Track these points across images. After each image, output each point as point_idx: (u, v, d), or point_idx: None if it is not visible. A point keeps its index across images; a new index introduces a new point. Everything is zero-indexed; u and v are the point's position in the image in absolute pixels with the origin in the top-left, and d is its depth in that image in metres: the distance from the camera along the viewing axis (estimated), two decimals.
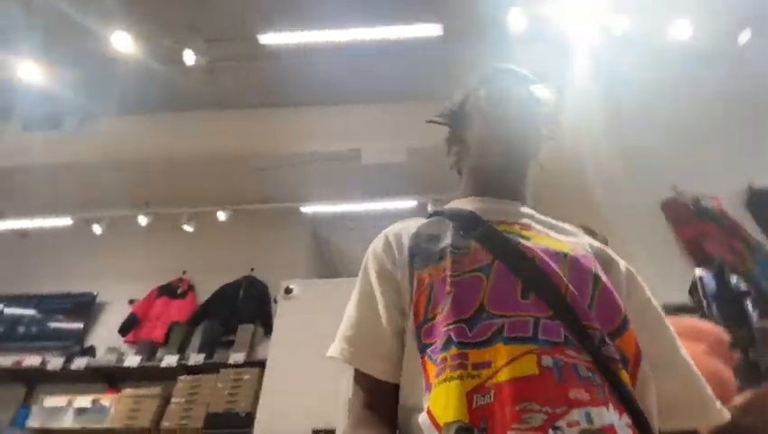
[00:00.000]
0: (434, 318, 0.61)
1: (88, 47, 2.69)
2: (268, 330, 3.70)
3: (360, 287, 0.73)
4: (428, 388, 0.57)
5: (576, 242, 0.73)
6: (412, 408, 0.60)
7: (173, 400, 3.18)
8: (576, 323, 0.57)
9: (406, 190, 3.87)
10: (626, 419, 0.52)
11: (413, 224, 0.76)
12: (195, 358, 3.38)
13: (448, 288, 0.61)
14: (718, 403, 0.63)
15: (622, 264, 0.73)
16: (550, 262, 0.63)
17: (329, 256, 4.47)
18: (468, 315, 0.58)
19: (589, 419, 0.48)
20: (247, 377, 3.25)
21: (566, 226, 0.78)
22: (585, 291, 0.62)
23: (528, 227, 0.73)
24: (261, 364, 3.24)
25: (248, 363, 3.36)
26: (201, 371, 3.34)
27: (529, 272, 0.61)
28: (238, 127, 3.41)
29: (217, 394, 3.18)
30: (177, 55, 2.75)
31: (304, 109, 3.42)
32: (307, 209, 4.06)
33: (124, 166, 3.48)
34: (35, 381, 3.63)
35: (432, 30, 2.72)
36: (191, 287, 4.14)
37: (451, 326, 0.57)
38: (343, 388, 3.07)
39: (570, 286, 0.60)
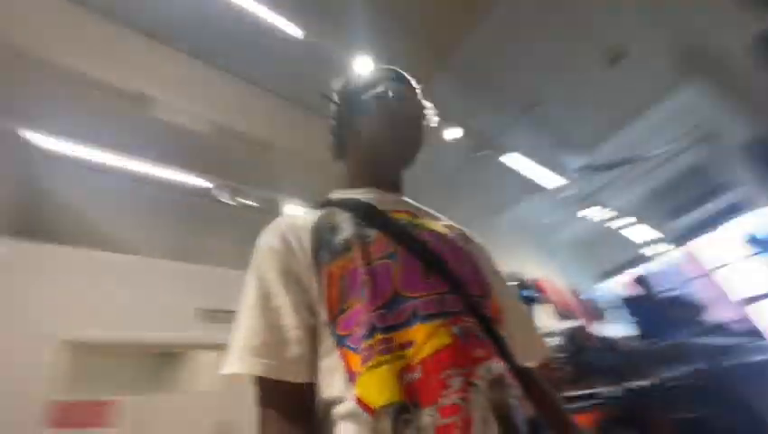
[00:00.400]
0: (348, 309, 0.63)
1: None
2: None
3: (258, 289, 0.67)
4: (352, 377, 0.59)
5: (448, 225, 0.83)
6: (332, 401, 0.61)
7: None
8: (466, 293, 0.66)
9: (189, 164, 3.39)
10: (505, 365, 0.63)
11: (308, 218, 0.75)
12: None
13: (363, 277, 0.63)
14: (547, 342, 0.88)
15: (478, 240, 0.86)
16: (437, 244, 0.71)
17: (42, 212, 3.21)
18: (385, 300, 0.62)
19: (489, 371, 0.59)
20: None
21: (435, 212, 0.87)
22: (462, 265, 0.71)
23: (414, 214, 0.79)
24: None
25: None
26: None
27: (426, 254, 0.68)
28: None
29: None
30: None
31: (104, 24, 2.55)
32: (34, 137, 2.89)
33: None
34: None
35: (294, 31, 2.69)
36: None
37: (373, 314, 0.60)
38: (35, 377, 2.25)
39: (455, 262, 0.69)
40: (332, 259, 0.66)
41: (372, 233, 0.69)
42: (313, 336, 0.64)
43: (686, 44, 3.33)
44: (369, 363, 0.57)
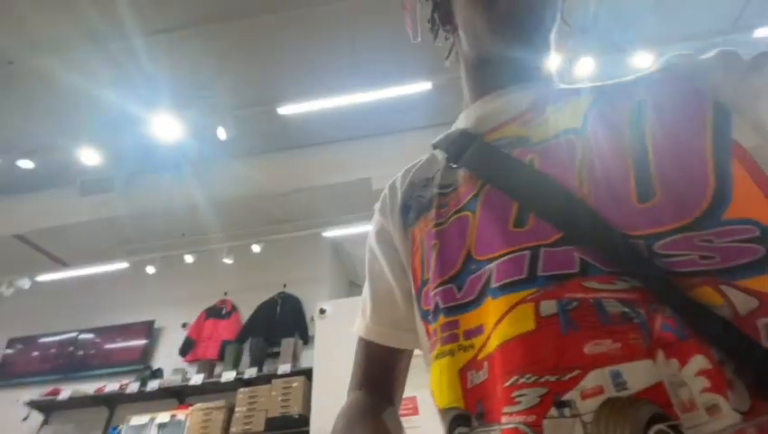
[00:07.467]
0: (428, 281, 0.50)
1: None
2: (306, 340, 4.26)
3: (367, 253, 0.65)
4: (428, 363, 0.49)
5: (605, 91, 0.49)
6: None
7: (237, 409, 3.75)
8: (606, 234, 0.38)
9: None
10: (703, 361, 0.32)
11: (418, 164, 0.64)
12: (249, 372, 3.94)
13: (433, 241, 0.49)
14: None
15: (715, 80, 0.43)
16: (559, 154, 0.45)
17: (350, 270, 4.98)
18: (455, 270, 0.46)
19: (619, 382, 0.32)
20: (295, 385, 3.79)
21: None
22: (625, 169, 0.41)
23: (532, 116, 0.51)
24: (306, 373, 3.77)
25: (295, 372, 3.90)
26: (255, 382, 3.90)
27: (527, 184, 0.45)
28: (265, 169, 3.94)
29: (272, 401, 3.73)
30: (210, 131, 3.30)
31: (319, 149, 3.90)
32: (328, 233, 4.55)
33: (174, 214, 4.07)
34: (114, 403, 4.25)
35: (423, 86, 3.20)
36: (234, 308, 4.69)
37: (438, 290, 0.46)
38: None
39: (590, 178, 0.42)
40: (416, 220, 0.55)
41: (459, 175, 0.52)
42: (411, 300, 0.55)
43: None
44: (434, 352, 0.45)
